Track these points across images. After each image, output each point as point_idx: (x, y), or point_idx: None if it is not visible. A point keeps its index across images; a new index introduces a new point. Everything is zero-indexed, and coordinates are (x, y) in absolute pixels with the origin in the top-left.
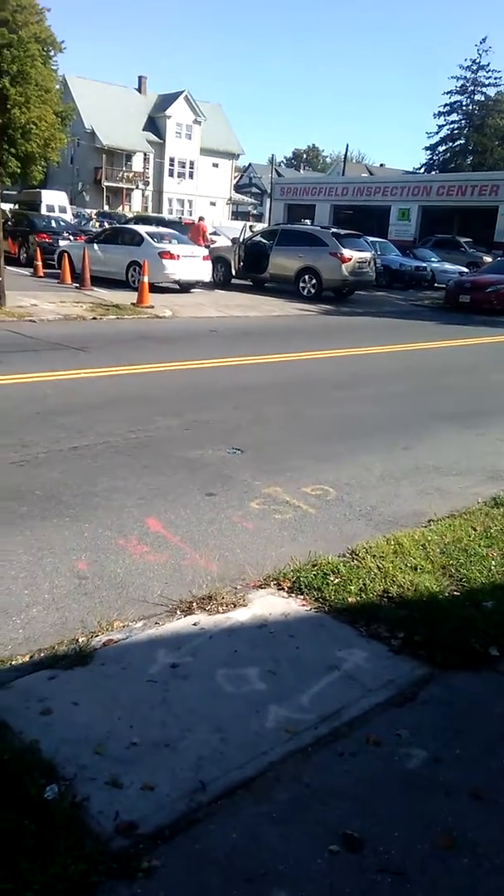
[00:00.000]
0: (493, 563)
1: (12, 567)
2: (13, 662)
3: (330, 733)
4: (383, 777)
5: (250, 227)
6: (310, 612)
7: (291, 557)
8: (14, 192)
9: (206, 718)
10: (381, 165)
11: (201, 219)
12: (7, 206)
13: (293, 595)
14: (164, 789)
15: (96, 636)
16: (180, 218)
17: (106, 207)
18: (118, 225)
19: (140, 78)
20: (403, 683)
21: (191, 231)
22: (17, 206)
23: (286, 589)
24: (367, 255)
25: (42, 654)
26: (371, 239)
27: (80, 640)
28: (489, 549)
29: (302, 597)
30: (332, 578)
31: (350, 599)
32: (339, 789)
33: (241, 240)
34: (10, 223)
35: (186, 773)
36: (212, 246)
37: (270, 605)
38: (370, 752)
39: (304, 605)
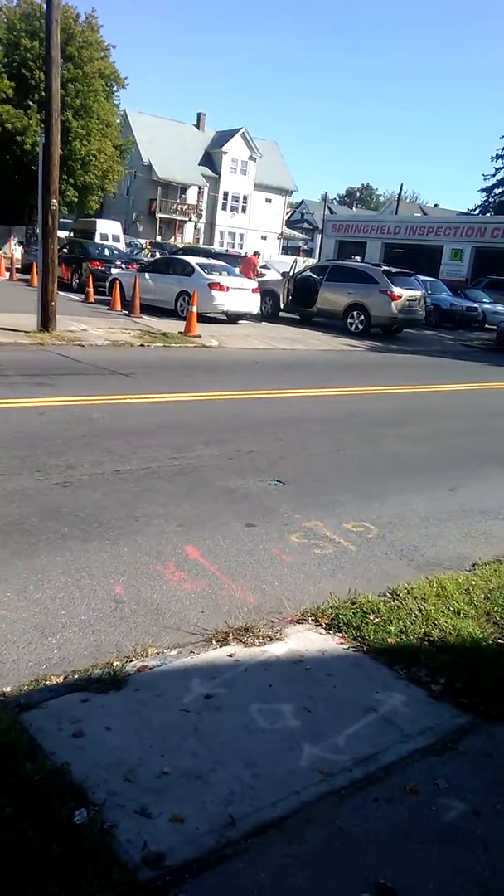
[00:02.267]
0: None
1: (51, 587)
2: (47, 682)
3: (365, 777)
4: (419, 827)
5: (302, 261)
6: (348, 650)
7: (330, 593)
8: (70, 221)
9: (239, 752)
10: (436, 206)
11: (256, 253)
12: (63, 234)
13: (331, 632)
14: (193, 822)
15: (131, 661)
16: (227, 250)
17: (159, 238)
18: (169, 255)
19: (199, 114)
20: (443, 731)
21: (242, 264)
22: (72, 234)
23: (324, 625)
24: (418, 293)
25: (76, 676)
26: (422, 278)
27: (114, 665)
28: None
29: (340, 634)
30: (371, 618)
31: (389, 640)
32: (372, 836)
33: (290, 274)
34: (64, 250)
35: (217, 806)
36: (261, 279)
37: (308, 640)
38: (406, 800)
39: (341, 643)
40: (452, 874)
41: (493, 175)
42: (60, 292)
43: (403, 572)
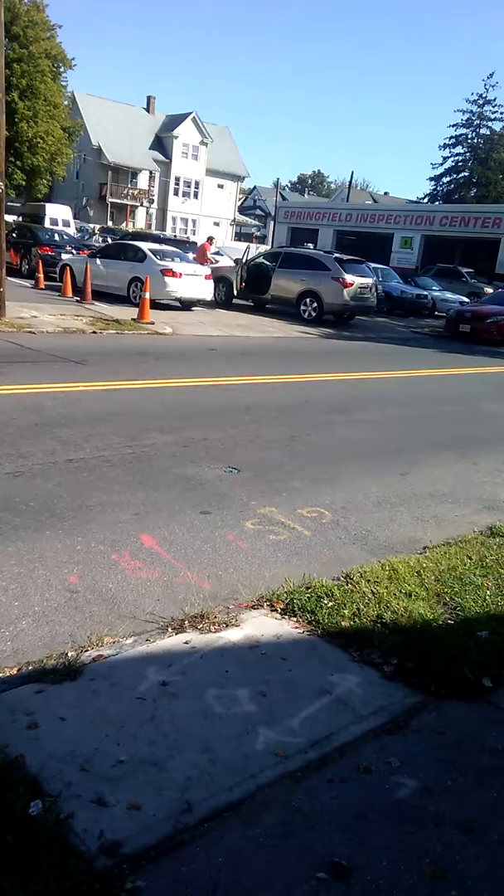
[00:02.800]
0: (488, 592)
1: (3, 578)
2: (0, 675)
3: (320, 758)
4: (373, 805)
5: (255, 248)
6: (302, 634)
7: (285, 579)
8: (18, 205)
9: (195, 738)
10: (386, 194)
11: (209, 239)
12: (11, 218)
13: (286, 617)
14: (150, 809)
15: (86, 651)
16: (175, 235)
17: (110, 223)
18: (120, 241)
19: (149, 98)
20: (395, 711)
21: (198, 251)
22: (20, 219)
23: (279, 610)
24: (369, 280)
25: (30, 668)
26: (373, 265)
27: (69, 655)
28: (484, 579)
29: (295, 619)
30: (325, 602)
31: (343, 623)
32: (327, 816)
33: (243, 260)
34: (13, 235)
35: (173, 793)
36: (214, 266)
37: (263, 626)
38: (360, 779)
39: (296, 628)
40: (405, 850)
41: (441, 164)
42: (9, 278)
43: (357, 556)
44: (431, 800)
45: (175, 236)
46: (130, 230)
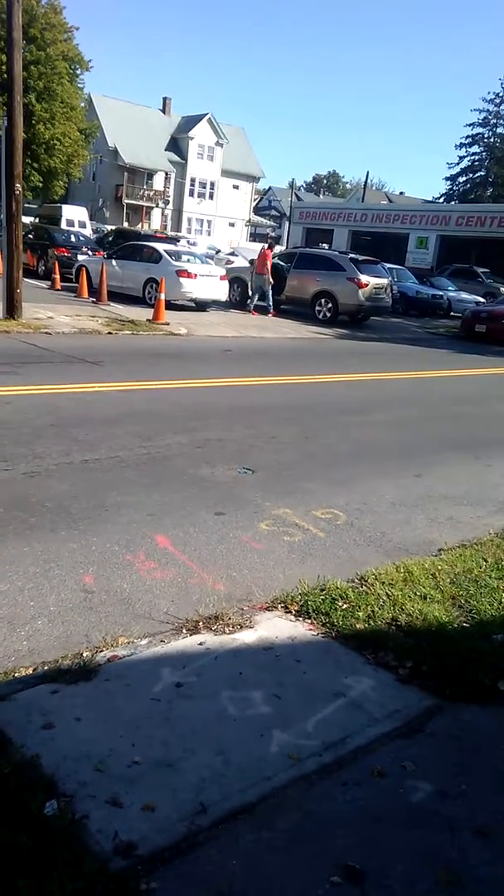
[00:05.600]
0: None
1: (19, 578)
2: (16, 675)
3: (334, 761)
4: (387, 809)
5: (267, 247)
6: (317, 636)
7: (300, 580)
8: (35, 206)
9: (209, 740)
10: (401, 193)
11: (270, 246)
12: (28, 220)
13: (300, 619)
14: (164, 810)
15: (101, 651)
16: (155, 231)
17: (126, 224)
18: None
19: (164, 99)
20: (410, 714)
21: (258, 258)
22: (37, 220)
23: (293, 612)
24: (384, 281)
25: (46, 668)
26: (388, 266)
27: (84, 655)
28: (500, 582)
29: (309, 621)
30: (340, 604)
31: (358, 626)
32: (342, 819)
33: None
34: (30, 236)
35: (188, 794)
36: (229, 266)
37: (277, 627)
38: (375, 783)
39: (311, 630)
40: (420, 855)
41: (457, 164)
42: (26, 279)
43: (371, 558)
44: (446, 804)
45: (155, 232)
46: (111, 228)
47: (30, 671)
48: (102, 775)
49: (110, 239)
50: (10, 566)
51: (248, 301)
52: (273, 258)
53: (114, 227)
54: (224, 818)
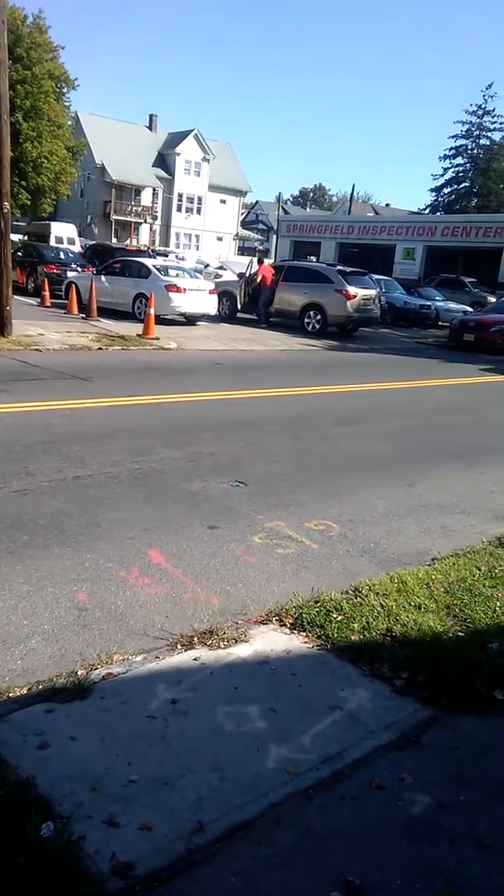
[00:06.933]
0: (499, 603)
1: (12, 597)
2: (10, 695)
3: (331, 775)
4: (386, 822)
5: (258, 261)
6: (312, 649)
7: (294, 593)
8: (24, 224)
9: (206, 757)
10: (387, 205)
11: (261, 261)
12: (16, 237)
13: (295, 631)
14: (161, 829)
15: (95, 669)
16: (126, 245)
17: (114, 240)
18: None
19: (151, 116)
20: (407, 726)
21: (261, 272)
22: (26, 238)
23: (288, 625)
24: (372, 292)
25: (40, 687)
26: (376, 277)
27: (79, 673)
28: (494, 590)
29: (304, 634)
30: (334, 615)
31: (353, 637)
32: (340, 834)
33: (247, 274)
34: (19, 254)
35: (185, 812)
36: (218, 280)
37: (272, 641)
38: (372, 796)
39: (306, 642)
40: (420, 868)
41: (442, 175)
42: (16, 296)
43: (365, 569)
44: (445, 816)
45: (126, 246)
46: (89, 244)
47: (24, 691)
48: (99, 795)
49: (87, 254)
50: (2, 584)
51: (257, 314)
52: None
53: (92, 243)
54: (222, 836)
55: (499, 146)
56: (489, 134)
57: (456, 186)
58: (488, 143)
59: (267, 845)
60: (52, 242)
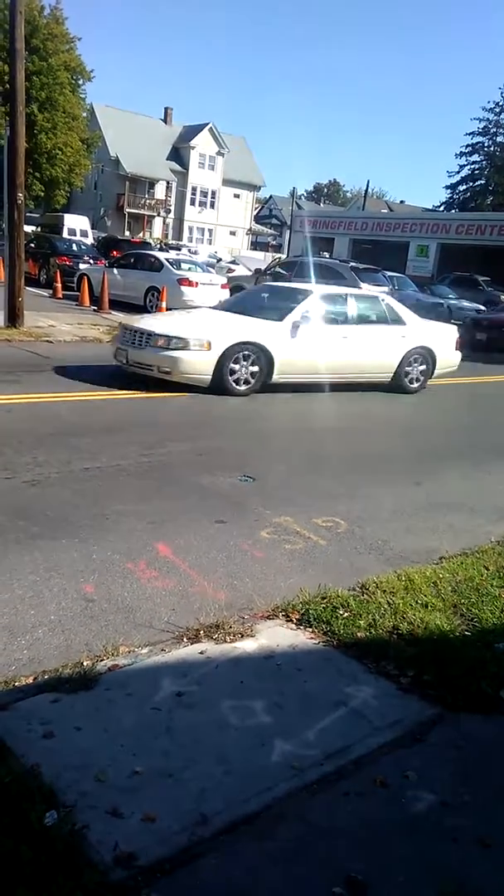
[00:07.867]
0: None
1: (20, 587)
2: (16, 684)
3: (336, 771)
4: (389, 819)
5: (276, 258)
6: (318, 645)
7: (300, 589)
8: (37, 215)
9: (210, 750)
10: (402, 202)
11: (276, 259)
12: (29, 229)
13: (301, 627)
14: (165, 821)
15: (101, 660)
16: (131, 237)
17: (127, 233)
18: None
19: (166, 109)
20: (412, 723)
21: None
22: (39, 229)
23: (294, 621)
24: (385, 289)
25: (46, 677)
26: (389, 274)
27: (84, 664)
28: (501, 590)
29: (310, 629)
30: (341, 612)
31: (359, 634)
32: (343, 830)
33: (264, 270)
34: (31, 245)
35: (189, 804)
36: (231, 275)
37: (278, 636)
38: (376, 793)
39: (312, 638)
40: (422, 866)
41: (458, 172)
42: (28, 288)
43: (373, 566)
44: (449, 814)
45: (131, 240)
46: (101, 237)
47: (30, 680)
48: (103, 785)
49: (96, 247)
50: (10, 575)
51: None
52: (275, 267)
53: (104, 236)
54: (225, 828)
55: None
56: None
57: (471, 184)
58: None
59: (270, 839)
60: (65, 234)
